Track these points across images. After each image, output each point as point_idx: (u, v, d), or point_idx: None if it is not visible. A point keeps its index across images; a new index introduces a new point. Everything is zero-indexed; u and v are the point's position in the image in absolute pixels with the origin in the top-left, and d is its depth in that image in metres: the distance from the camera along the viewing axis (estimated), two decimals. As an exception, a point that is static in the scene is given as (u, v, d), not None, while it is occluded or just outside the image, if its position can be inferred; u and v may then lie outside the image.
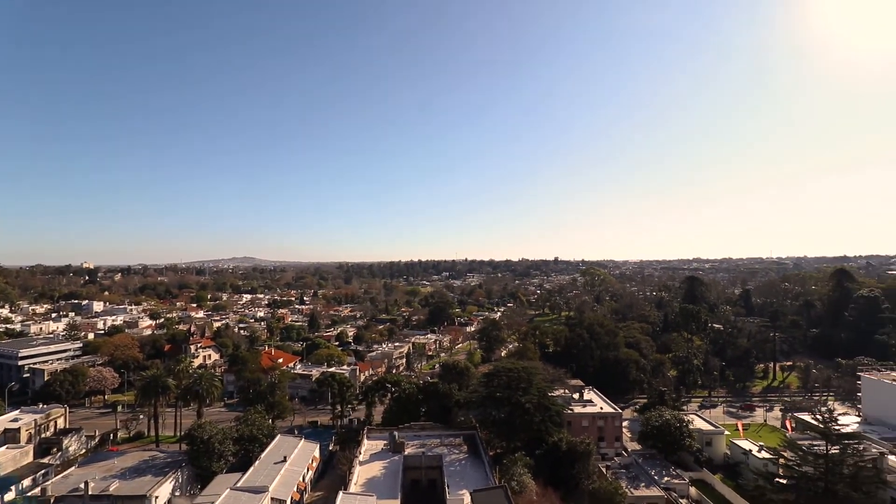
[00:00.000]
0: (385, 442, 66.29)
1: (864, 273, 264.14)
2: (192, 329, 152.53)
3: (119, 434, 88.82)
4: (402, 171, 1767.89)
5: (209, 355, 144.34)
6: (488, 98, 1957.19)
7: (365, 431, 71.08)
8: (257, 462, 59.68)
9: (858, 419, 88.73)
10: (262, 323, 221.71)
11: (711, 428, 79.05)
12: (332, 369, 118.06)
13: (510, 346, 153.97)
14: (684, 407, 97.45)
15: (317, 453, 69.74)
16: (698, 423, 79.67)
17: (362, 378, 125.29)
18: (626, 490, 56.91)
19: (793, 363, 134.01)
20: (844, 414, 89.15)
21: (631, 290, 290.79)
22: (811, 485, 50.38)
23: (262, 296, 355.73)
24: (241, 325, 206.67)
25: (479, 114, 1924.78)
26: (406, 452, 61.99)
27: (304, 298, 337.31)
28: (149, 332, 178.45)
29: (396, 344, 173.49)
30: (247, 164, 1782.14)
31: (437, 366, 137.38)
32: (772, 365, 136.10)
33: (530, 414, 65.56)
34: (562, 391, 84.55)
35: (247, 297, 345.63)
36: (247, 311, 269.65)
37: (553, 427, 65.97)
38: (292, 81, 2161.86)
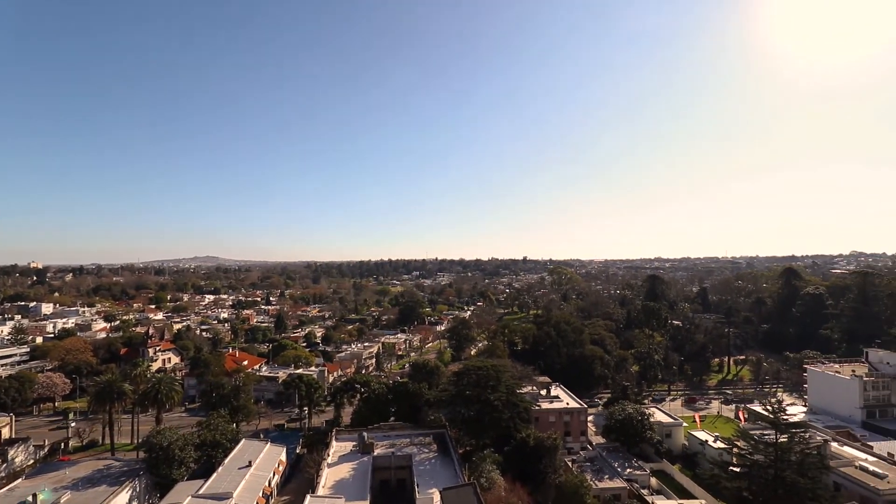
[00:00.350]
0: (354, 443, 65.76)
1: (811, 272, 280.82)
2: (151, 331, 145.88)
3: (71, 443, 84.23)
4: (371, 171, 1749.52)
5: (169, 358, 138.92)
6: (458, 98, 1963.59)
7: (333, 433, 70.32)
8: (220, 468, 57.99)
9: (805, 409, 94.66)
10: (226, 324, 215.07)
11: (671, 420, 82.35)
12: (300, 371, 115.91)
13: (480, 345, 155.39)
14: (645, 401, 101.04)
15: (283, 457, 68.40)
16: (658, 416, 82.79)
17: (331, 379, 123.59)
18: (591, 482, 58.57)
19: (745, 357, 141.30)
20: (792, 404, 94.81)
21: (596, 288, 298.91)
22: (762, 472, 53.30)
23: (225, 296, 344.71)
24: (203, 327, 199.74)
25: (449, 114, 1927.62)
26: (375, 453, 61.75)
27: (271, 299, 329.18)
28: (103, 335, 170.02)
29: (366, 344, 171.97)
30: (210, 161, 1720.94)
31: (407, 365, 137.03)
32: (726, 359, 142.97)
33: (499, 411, 66.46)
34: (530, 388, 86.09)
35: (209, 297, 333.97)
36: (209, 312, 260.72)
37: (521, 423, 67.08)
38: (257, 78, 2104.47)
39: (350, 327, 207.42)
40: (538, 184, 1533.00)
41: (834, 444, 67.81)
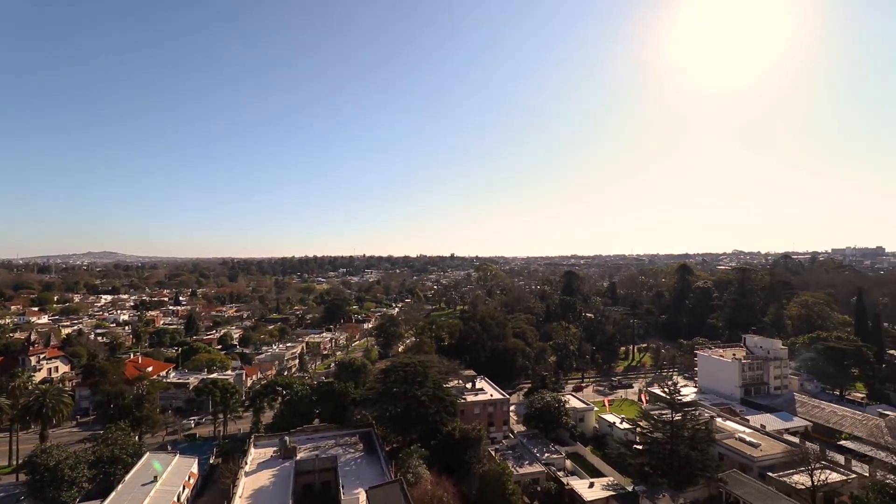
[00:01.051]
0: (275, 448, 63.06)
1: (701, 268, 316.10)
2: (33, 337, 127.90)
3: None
4: (293, 166, 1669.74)
5: (56, 367, 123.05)
6: (384, 96, 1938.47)
7: (252, 439, 66.82)
8: (120, 486, 52.75)
9: (695, 389, 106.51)
10: (127, 327, 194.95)
11: (583, 405, 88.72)
12: (214, 375, 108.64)
13: (407, 342, 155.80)
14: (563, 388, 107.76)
15: (195, 469, 63.77)
16: (573, 402, 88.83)
17: (249, 383, 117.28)
18: (513, 469, 61.45)
19: (647, 345, 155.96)
20: (685, 386, 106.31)
21: (519, 284, 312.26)
22: (661, 448, 59.39)
23: (126, 296, 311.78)
24: (98, 331, 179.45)
25: (375, 112, 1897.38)
26: (298, 457, 59.72)
27: (181, 298, 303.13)
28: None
29: (289, 344, 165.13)
30: (104, 139, 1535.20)
31: (333, 365, 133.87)
32: (631, 347, 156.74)
33: (426, 406, 67.35)
34: (456, 382, 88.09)
35: (107, 298, 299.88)
36: (107, 314, 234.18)
37: (447, 417, 68.56)
38: (170, 63, 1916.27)
39: (271, 327, 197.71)
40: (465, 183, 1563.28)
41: (718, 420, 77.17)
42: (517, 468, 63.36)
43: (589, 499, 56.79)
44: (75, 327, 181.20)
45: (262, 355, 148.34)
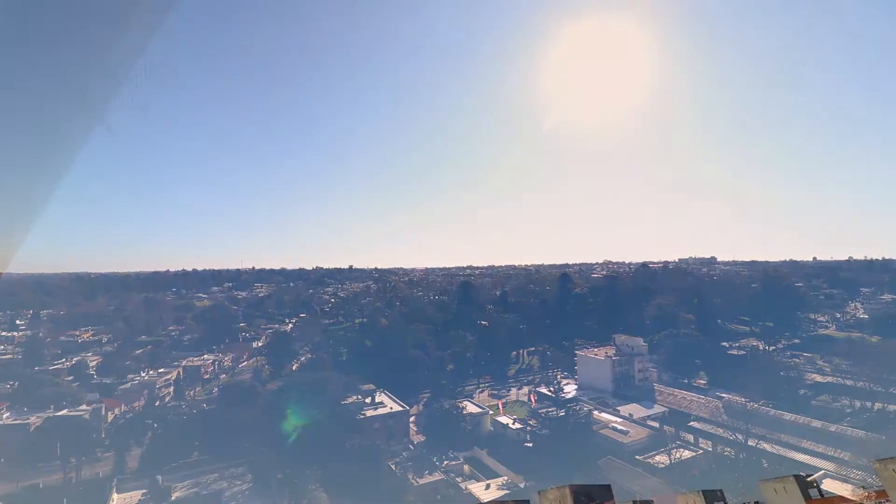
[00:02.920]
0: (144, 491, 55.70)
1: (578, 276, 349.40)
2: None
3: None
4: (162, 162, 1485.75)
5: None
6: (274, 97, 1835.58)
7: (114, 484, 58.23)
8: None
9: (576, 386, 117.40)
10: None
11: (479, 410, 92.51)
12: (63, 412, 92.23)
13: (303, 359, 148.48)
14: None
15: (38, 526, 53.55)
16: (470, 408, 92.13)
17: (111, 418, 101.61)
18: (413, 481, 61.83)
19: (535, 349, 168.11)
20: (568, 384, 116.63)
21: (418, 294, 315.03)
22: (549, 444, 64.57)
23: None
24: None
25: (263, 113, 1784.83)
26: (173, 497, 53.54)
27: (17, 322, 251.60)
28: None
29: (161, 370, 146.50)
30: None
31: (216, 389, 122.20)
32: (522, 351, 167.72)
33: (323, 425, 64.85)
34: (355, 397, 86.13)
35: None
36: None
37: (346, 434, 66.68)
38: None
39: (139, 352, 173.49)
40: (364, 194, 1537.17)
41: (595, 412, 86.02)
42: (417, 479, 63.82)
43: (485, 500, 59.33)
44: None
45: (128, 385, 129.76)
